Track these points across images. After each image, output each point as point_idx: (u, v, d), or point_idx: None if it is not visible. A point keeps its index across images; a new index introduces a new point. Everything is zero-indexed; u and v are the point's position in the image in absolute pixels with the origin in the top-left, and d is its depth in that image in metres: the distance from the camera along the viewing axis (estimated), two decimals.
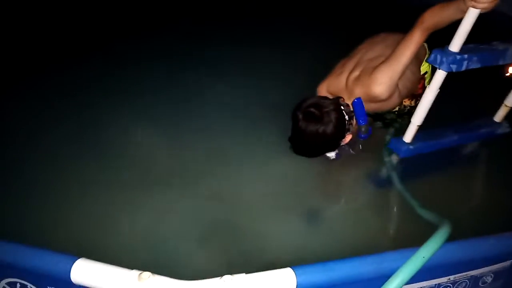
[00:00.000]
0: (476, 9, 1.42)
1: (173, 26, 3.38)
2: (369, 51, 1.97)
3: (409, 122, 1.83)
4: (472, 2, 1.41)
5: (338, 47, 2.22)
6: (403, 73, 1.74)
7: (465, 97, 2.30)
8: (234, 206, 1.70)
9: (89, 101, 2.36)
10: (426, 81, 2.11)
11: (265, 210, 1.70)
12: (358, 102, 1.77)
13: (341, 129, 1.78)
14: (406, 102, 2.12)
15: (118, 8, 3.70)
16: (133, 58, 2.86)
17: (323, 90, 1.99)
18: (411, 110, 2.14)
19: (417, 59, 1.90)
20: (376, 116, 2.10)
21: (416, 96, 2.09)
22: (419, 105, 1.75)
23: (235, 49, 2.96)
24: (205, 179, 1.82)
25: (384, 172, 1.97)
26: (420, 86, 2.08)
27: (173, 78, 2.61)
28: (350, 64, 1.95)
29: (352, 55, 2.02)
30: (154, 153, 1.99)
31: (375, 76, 1.74)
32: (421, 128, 1.84)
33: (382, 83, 1.73)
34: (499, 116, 2.03)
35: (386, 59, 1.75)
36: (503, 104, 1.99)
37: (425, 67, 2.04)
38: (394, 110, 2.08)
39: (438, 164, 1.96)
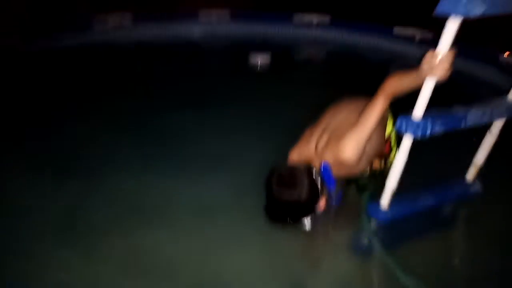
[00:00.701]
0: (432, 78, 1.51)
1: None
2: (334, 118, 2.03)
3: (382, 184, 1.86)
4: (428, 71, 1.50)
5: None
6: (369, 137, 1.79)
7: (437, 158, 2.37)
8: (213, 283, 1.65)
9: None
10: (392, 141, 2.16)
11: (246, 285, 1.65)
12: (325, 168, 1.79)
13: (315, 194, 1.78)
14: (376, 164, 2.15)
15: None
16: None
17: (295, 157, 2.01)
18: (382, 172, 2.19)
19: (381, 122, 1.96)
20: (350, 182, 2.12)
21: (384, 157, 2.13)
22: (391, 170, 1.79)
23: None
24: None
25: (364, 239, 1.97)
26: (387, 146, 2.13)
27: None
28: (318, 131, 2.00)
29: (319, 122, 2.07)
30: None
31: (343, 142, 1.78)
32: (397, 193, 1.87)
33: (350, 149, 1.77)
34: (470, 176, 2.08)
35: (353, 125, 1.80)
36: (472, 164, 2.04)
37: (390, 129, 2.11)
38: (366, 173, 2.10)
39: (418, 228, 1.97)
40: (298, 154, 2.00)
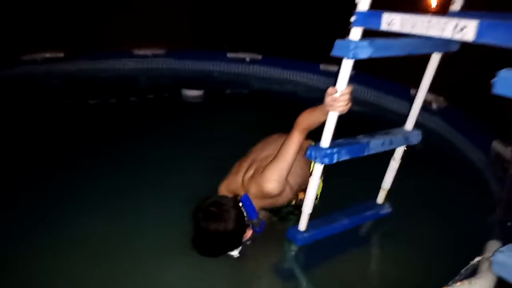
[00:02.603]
0: (334, 112, 1.69)
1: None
2: (262, 151, 2.16)
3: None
4: (330, 106, 1.68)
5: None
6: (289, 169, 1.92)
7: (352, 183, 2.58)
8: None
9: None
10: None
11: None
12: (244, 199, 1.91)
13: (241, 225, 1.88)
14: (301, 196, 2.29)
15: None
16: None
17: (223, 189, 2.11)
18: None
19: (304, 156, 2.11)
20: (274, 211, 2.24)
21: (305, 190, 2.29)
22: (306, 195, 1.94)
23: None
24: None
25: (286, 262, 2.08)
26: None
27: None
28: (246, 164, 2.12)
29: (248, 155, 2.20)
30: None
31: (265, 175, 1.91)
32: (315, 216, 2.02)
33: (272, 180, 1.89)
34: (380, 199, 2.29)
35: (273, 158, 1.94)
36: (381, 188, 2.26)
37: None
38: (291, 203, 2.23)
39: (337, 247, 2.12)
40: (226, 186, 2.10)
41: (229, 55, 5.34)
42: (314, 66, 4.89)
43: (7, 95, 4.27)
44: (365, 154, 1.90)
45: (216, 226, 1.79)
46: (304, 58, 5.12)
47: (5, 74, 4.66)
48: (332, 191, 2.23)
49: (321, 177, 2.35)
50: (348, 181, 2.53)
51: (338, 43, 1.56)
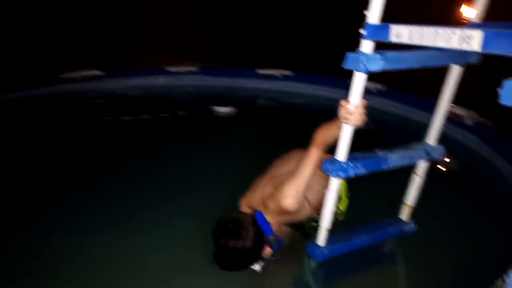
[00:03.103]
0: (348, 125, 1.68)
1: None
2: (281, 167, 2.16)
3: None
4: (344, 119, 1.67)
5: None
6: (307, 186, 1.90)
7: (380, 198, 2.53)
8: None
9: None
10: (342, 190, 2.30)
11: None
12: (258, 216, 1.91)
13: (260, 242, 1.88)
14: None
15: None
16: None
17: (244, 205, 2.12)
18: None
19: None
20: (296, 226, 2.23)
21: None
22: (323, 210, 1.92)
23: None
24: None
25: (305, 278, 2.06)
26: None
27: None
28: (265, 180, 2.12)
29: (267, 171, 2.21)
30: None
31: (282, 191, 1.90)
32: (335, 232, 2.00)
33: (289, 196, 1.88)
34: (404, 215, 2.22)
35: (291, 174, 1.93)
36: (403, 204, 2.20)
37: None
38: (314, 219, 2.21)
39: (357, 264, 2.08)
40: (246, 202, 2.11)
41: (260, 71, 5.41)
42: (344, 81, 4.86)
43: (45, 111, 4.54)
44: (384, 168, 1.86)
45: (235, 243, 1.80)
46: (335, 73, 5.10)
47: (45, 93, 4.97)
48: (358, 206, 2.20)
49: (347, 194, 2.35)
50: (376, 196, 2.49)
51: (349, 56, 1.56)
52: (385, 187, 2.40)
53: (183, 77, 5.53)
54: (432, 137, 2.00)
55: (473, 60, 1.72)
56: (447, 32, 1.21)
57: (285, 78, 5.30)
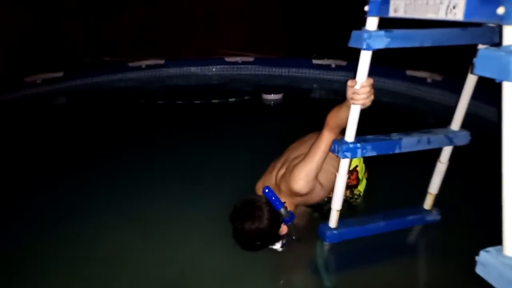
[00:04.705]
0: (356, 105, 1.67)
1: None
2: (295, 151, 2.18)
3: (348, 210, 1.97)
4: (351, 99, 1.65)
5: None
6: (318, 169, 1.91)
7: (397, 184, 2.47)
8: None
9: None
10: (360, 173, 2.27)
11: None
12: (266, 191, 1.93)
13: (275, 221, 1.92)
14: (346, 193, 2.26)
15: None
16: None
17: (259, 188, 2.17)
18: (348, 199, 2.29)
19: None
20: (315, 207, 2.24)
21: (350, 187, 2.25)
22: (334, 191, 1.91)
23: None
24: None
25: (324, 258, 2.06)
26: (353, 177, 2.24)
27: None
28: (279, 163, 2.16)
29: (282, 155, 2.24)
30: None
31: (293, 174, 1.93)
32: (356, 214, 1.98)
33: (300, 179, 1.91)
34: (427, 204, 2.13)
35: (303, 158, 1.95)
36: (427, 192, 2.11)
37: (355, 161, 2.23)
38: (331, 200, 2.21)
39: (374, 251, 2.04)
40: (262, 185, 2.16)
41: (315, 61, 5.38)
42: (400, 72, 4.69)
43: (110, 98, 4.94)
44: (396, 151, 1.81)
45: (250, 225, 1.85)
46: (391, 64, 4.93)
47: (114, 79, 5.39)
48: (382, 192, 2.15)
49: (364, 173, 2.30)
50: (402, 182, 2.41)
51: (354, 34, 1.54)
52: (409, 174, 2.31)
53: (239, 66, 5.69)
54: (456, 122, 1.90)
55: (496, 39, 1.61)
56: (436, 2, 1.16)
57: (338, 68, 5.22)
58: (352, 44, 1.56)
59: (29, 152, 3.31)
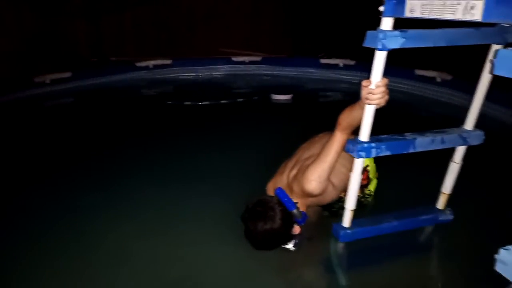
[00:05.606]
0: (370, 105, 1.67)
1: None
2: (307, 150, 2.18)
3: (358, 210, 1.98)
4: (365, 99, 1.66)
5: None
6: (331, 170, 1.91)
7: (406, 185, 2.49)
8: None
9: None
10: (371, 173, 2.28)
11: None
12: (279, 192, 1.95)
13: (288, 221, 1.93)
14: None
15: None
16: None
17: (271, 188, 2.17)
18: (359, 199, 2.29)
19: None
20: (325, 206, 2.24)
21: (361, 186, 2.25)
22: (348, 190, 1.92)
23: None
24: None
25: (330, 258, 2.07)
26: (364, 177, 2.25)
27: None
28: (290, 164, 2.16)
29: (294, 155, 2.24)
30: None
31: (306, 175, 1.93)
32: (368, 213, 1.98)
33: (313, 180, 1.91)
34: (440, 204, 2.14)
35: (315, 158, 1.95)
36: (441, 192, 2.11)
37: (366, 161, 2.22)
38: (342, 199, 2.21)
39: (384, 250, 2.05)
40: (273, 185, 2.17)
41: (323, 61, 5.38)
42: (409, 72, 4.68)
43: (122, 97, 4.98)
44: (411, 151, 1.82)
45: (263, 225, 1.85)
46: (399, 64, 4.93)
47: (121, 79, 5.45)
48: (394, 193, 2.15)
49: (375, 173, 2.31)
50: (413, 183, 2.41)
51: (369, 34, 1.55)
52: (419, 174, 2.30)
53: (247, 66, 5.71)
54: (470, 122, 1.91)
55: (511, 39, 1.61)
56: (453, 3, 1.17)
57: (346, 67, 5.21)
58: (367, 44, 1.57)
59: (29, 152, 3.33)
